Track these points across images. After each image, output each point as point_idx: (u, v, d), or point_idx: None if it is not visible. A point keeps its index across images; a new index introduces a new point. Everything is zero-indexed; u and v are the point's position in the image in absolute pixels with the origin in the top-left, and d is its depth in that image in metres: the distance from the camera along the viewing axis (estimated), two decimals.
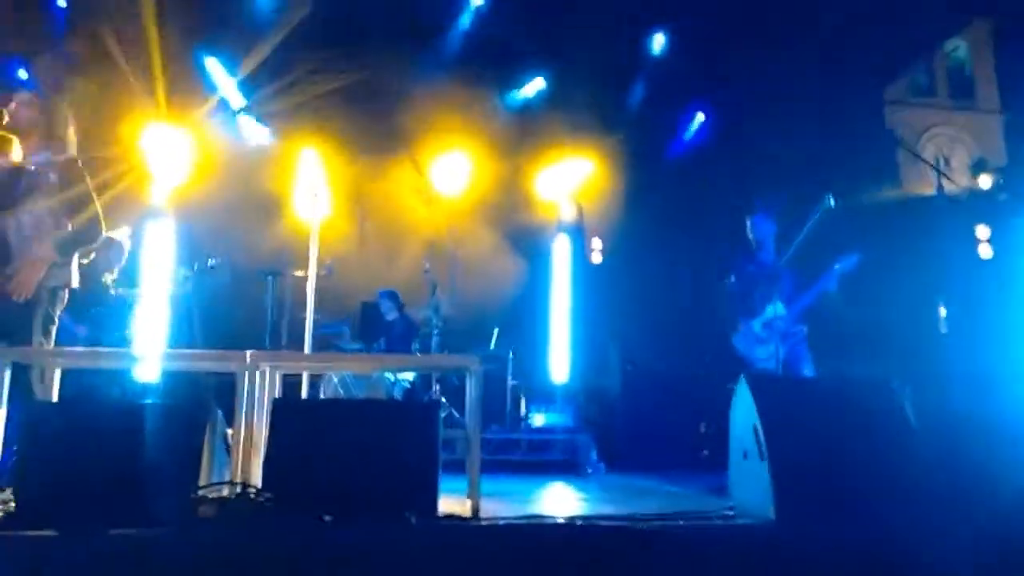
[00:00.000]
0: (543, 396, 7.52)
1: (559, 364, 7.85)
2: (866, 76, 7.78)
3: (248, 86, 8.48)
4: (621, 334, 7.76)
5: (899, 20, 7.47)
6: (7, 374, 3.35)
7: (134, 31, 7.71)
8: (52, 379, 3.67)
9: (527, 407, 7.49)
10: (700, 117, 8.95)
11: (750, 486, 3.25)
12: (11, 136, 3.61)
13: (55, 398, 3.64)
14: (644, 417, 6.83)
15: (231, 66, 8.35)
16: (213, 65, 8.27)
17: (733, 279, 5.34)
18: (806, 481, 3.05)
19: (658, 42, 8.04)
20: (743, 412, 3.43)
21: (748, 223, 5.45)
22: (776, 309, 5.09)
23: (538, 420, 7.23)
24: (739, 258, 5.43)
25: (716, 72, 8.36)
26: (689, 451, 6.65)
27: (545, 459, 6.34)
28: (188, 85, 8.11)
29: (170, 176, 8.12)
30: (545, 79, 8.75)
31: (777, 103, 8.17)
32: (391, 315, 7.72)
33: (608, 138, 8.53)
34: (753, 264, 5.34)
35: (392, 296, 7.75)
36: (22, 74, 8.17)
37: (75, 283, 3.84)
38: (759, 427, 3.22)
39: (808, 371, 5.13)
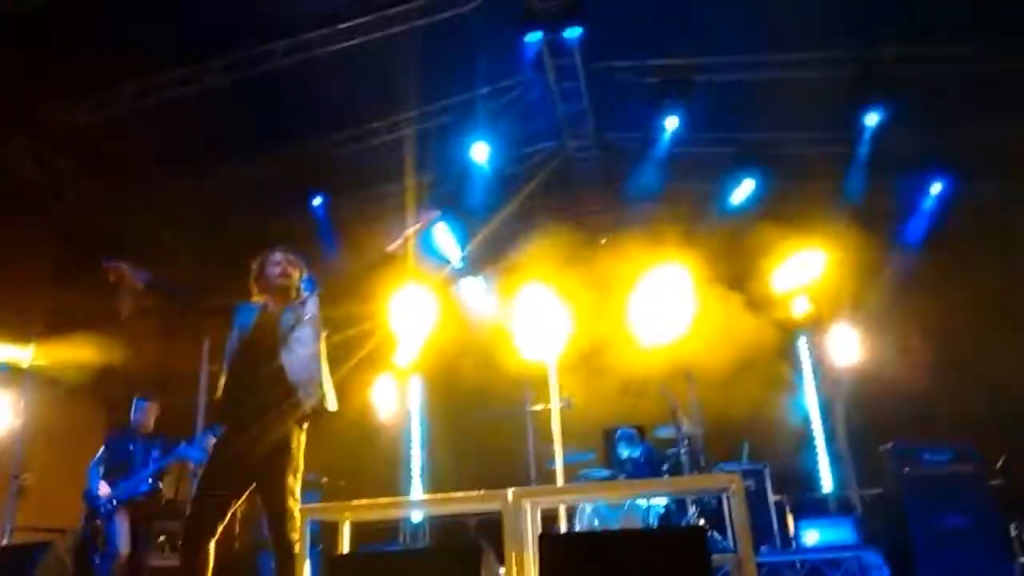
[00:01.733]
0: (812, 510, 6.90)
1: (825, 473, 7.22)
2: None
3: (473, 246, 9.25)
4: (891, 432, 6.99)
5: None
6: (308, 528, 3.74)
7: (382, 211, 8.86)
8: (344, 531, 4.02)
9: (796, 523, 6.88)
10: (937, 187, 8.23)
11: None
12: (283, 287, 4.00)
13: (347, 548, 3.99)
14: (937, 524, 5.94)
15: (458, 229, 9.19)
16: (442, 231, 9.14)
17: None
18: None
19: (871, 119, 7.62)
20: None
21: None
22: None
23: (811, 537, 6.60)
24: None
25: (945, 135, 7.75)
26: (1000, 559, 5.66)
27: None
28: (427, 251, 9.04)
29: (414, 334, 8.97)
30: (754, 178, 8.61)
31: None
32: (632, 453, 7.57)
33: (836, 225, 8.12)
34: None
35: (630, 437, 7.63)
36: None
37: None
38: None
39: None
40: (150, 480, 5.92)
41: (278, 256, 4.06)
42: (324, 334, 3.99)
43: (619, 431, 7.67)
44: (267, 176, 8.55)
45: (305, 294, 4.06)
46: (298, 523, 3.69)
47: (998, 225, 7.92)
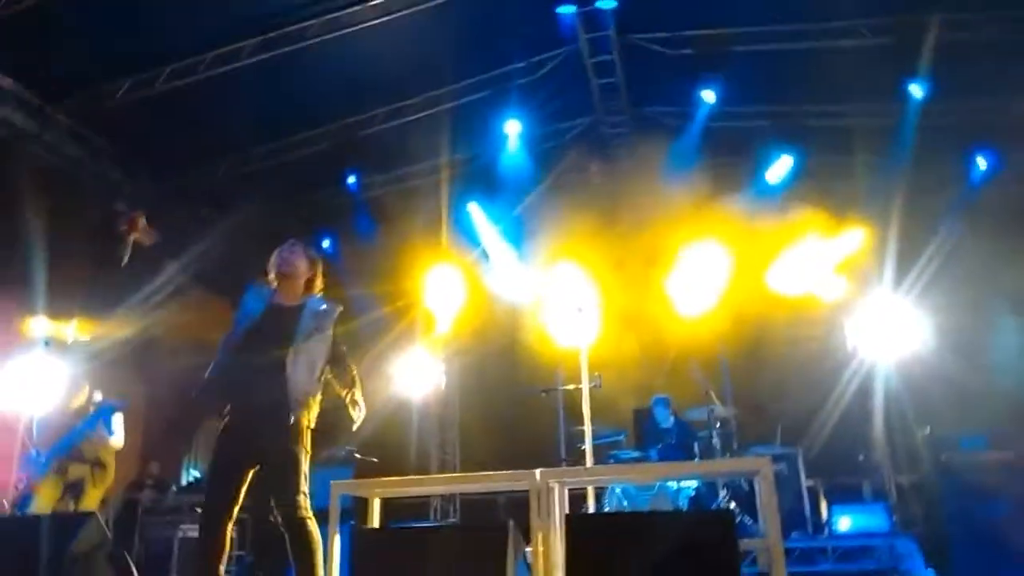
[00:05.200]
0: (846, 495, 6.80)
1: (861, 459, 7.11)
2: None
3: (506, 223, 9.23)
4: (929, 418, 6.83)
5: None
6: (339, 503, 3.79)
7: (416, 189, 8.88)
8: (375, 507, 4.06)
9: (829, 509, 6.80)
10: (982, 161, 7.95)
11: None
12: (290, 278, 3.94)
13: (377, 524, 4.04)
14: (974, 513, 5.80)
15: (491, 207, 9.19)
16: (475, 210, 9.14)
17: None
18: None
19: (916, 90, 7.36)
20: None
21: None
22: None
23: (844, 523, 6.52)
24: None
25: (992, 107, 7.47)
26: None
27: (861, 569, 5.65)
28: (457, 229, 9.07)
29: (447, 313, 9.03)
30: (793, 152, 8.41)
31: None
32: (666, 422, 7.57)
33: (878, 201, 7.91)
34: None
35: (666, 402, 7.61)
36: (325, 244, 9.69)
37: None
38: None
39: None
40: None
41: (286, 246, 4.01)
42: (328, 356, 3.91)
43: (655, 397, 7.62)
44: (304, 155, 8.62)
45: (329, 306, 4.00)
46: (305, 503, 3.68)
47: None
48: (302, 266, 3.99)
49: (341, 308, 4.04)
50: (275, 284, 3.97)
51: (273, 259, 3.98)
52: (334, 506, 3.84)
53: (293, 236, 4.18)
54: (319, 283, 4.09)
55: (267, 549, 5.29)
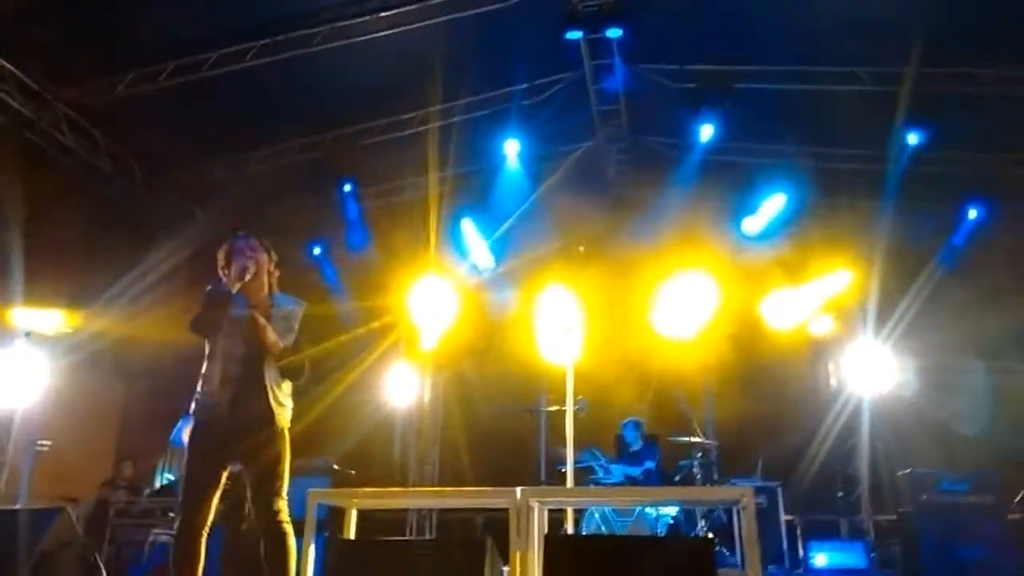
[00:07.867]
0: (824, 532, 6.78)
1: (839, 494, 7.11)
2: None
3: (498, 240, 9.23)
4: (910, 457, 6.86)
5: None
6: (316, 512, 3.73)
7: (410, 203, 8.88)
8: (351, 518, 4.00)
9: (806, 544, 6.78)
10: (973, 213, 8.07)
11: None
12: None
13: (353, 535, 3.98)
14: (952, 555, 5.78)
15: (484, 225, 9.18)
16: (468, 226, 9.13)
17: None
18: None
19: (912, 139, 7.46)
20: None
21: None
22: None
23: (820, 560, 6.50)
24: None
25: (986, 160, 7.60)
26: None
27: None
28: (447, 244, 9.06)
29: (433, 327, 8.99)
30: (786, 191, 8.49)
31: None
32: (636, 445, 7.54)
33: (865, 244, 8.00)
34: None
35: (636, 424, 7.59)
36: (316, 251, 9.65)
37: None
38: None
39: None
40: None
41: (240, 243, 3.88)
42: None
43: (625, 420, 7.60)
44: (300, 162, 8.61)
45: (294, 306, 3.95)
46: (284, 508, 3.67)
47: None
48: (254, 266, 3.85)
49: (304, 305, 4.00)
50: (237, 286, 3.78)
51: (232, 260, 3.82)
52: (310, 515, 3.77)
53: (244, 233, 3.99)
54: (276, 273, 4.01)
55: (237, 557, 5.20)
